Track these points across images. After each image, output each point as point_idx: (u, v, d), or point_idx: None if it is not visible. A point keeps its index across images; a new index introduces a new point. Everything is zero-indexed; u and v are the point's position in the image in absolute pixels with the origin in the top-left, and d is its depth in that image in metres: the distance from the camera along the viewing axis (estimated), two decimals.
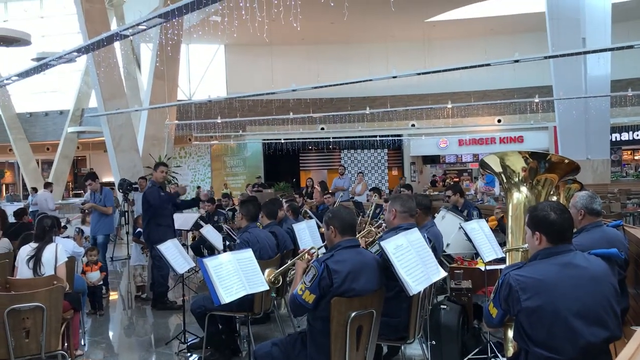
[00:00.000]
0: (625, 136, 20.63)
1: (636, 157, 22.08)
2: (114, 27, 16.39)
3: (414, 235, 3.47)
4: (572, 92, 13.90)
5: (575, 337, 2.35)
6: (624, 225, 3.77)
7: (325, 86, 11.60)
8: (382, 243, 3.28)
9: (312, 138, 20.90)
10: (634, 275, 3.56)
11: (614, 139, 18.87)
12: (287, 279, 3.85)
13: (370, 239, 4.49)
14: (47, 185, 13.48)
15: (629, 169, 21.80)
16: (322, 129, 20.88)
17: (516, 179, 2.94)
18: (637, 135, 20.50)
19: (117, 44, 15.75)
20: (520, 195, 2.92)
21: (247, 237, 4.96)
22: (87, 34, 12.70)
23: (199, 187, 9.87)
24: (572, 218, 2.61)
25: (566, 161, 2.86)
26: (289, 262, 3.86)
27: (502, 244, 4.83)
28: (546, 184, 2.89)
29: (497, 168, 3.00)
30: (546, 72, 15.03)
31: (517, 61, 9.21)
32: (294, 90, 11.72)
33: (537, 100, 15.63)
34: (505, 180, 2.99)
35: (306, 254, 3.52)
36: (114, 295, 8.07)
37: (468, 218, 6.45)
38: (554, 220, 2.51)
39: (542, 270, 2.46)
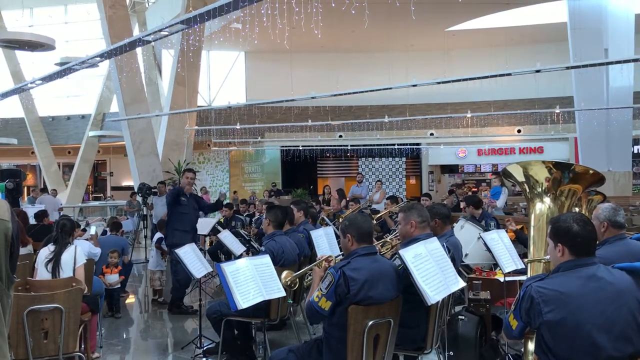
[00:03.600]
0: None
1: None
2: (136, 33, 16.59)
3: (433, 245, 3.44)
4: (593, 103, 13.75)
5: (598, 351, 2.31)
6: None
7: (345, 94, 11.61)
8: (401, 252, 3.26)
9: (330, 145, 20.91)
10: None
11: (635, 151, 18.59)
12: (305, 283, 3.84)
13: (388, 250, 4.44)
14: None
15: None
16: (340, 136, 20.88)
17: (539, 189, 2.90)
18: None
19: (138, 50, 15.97)
20: (543, 206, 2.88)
21: (272, 247, 4.93)
22: (110, 40, 12.88)
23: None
24: (596, 230, 2.57)
25: (591, 172, 2.82)
26: (306, 267, 3.85)
27: (521, 255, 4.77)
28: (570, 195, 2.84)
29: (520, 177, 2.97)
30: (567, 83, 14.91)
31: (538, 71, 9.14)
32: (313, 98, 11.76)
33: (557, 110, 15.49)
34: (528, 190, 2.95)
35: (323, 262, 3.50)
36: (130, 299, 8.12)
37: (486, 228, 6.39)
38: (577, 232, 2.47)
39: (565, 283, 2.41)
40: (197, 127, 17.71)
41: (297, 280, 3.72)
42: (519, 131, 20.98)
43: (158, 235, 7.98)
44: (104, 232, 9.05)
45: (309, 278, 3.73)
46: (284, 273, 3.72)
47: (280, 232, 5.25)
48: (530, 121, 19.91)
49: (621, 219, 3.57)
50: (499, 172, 12.50)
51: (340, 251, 4.80)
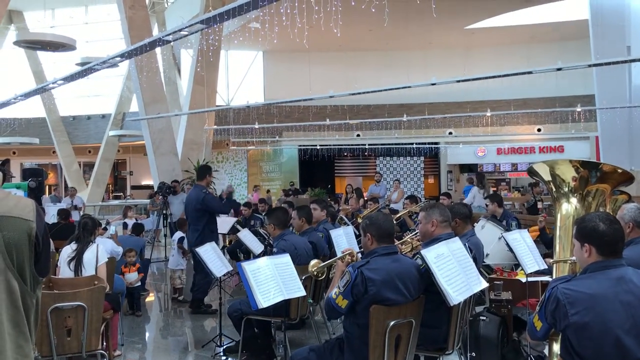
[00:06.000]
0: None
1: None
2: (155, 33, 16.71)
3: (456, 245, 3.42)
4: (615, 101, 13.54)
5: (626, 355, 2.27)
6: None
7: (363, 93, 11.57)
8: (423, 252, 3.24)
9: (348, 145, 20.88)
10: None
11: None
12: (331, 275, 3.84)
13: (409, 250, 4.41)
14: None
15: None
16: (358, 135, 20.83)
17: (566, 189, 2.85)
18: None
19: (158, 50, 16.08)
20: (569, 206, 2.83)
21: (284, 246, 4.96)
22: (130, 40, 12.98)
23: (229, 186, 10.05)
24: (623, 229, 2.52)
25: (619, 171, 2.77)
26: (334, 258, 3.85)
27: (542, 256, 4.71)
28: (597, 195, 2.79)
29: (547, 176, 2.92)
30: (589, 81, 14.70)
31: (560, 69, 9.01)
32: (331, 97, 11.73)
33: (579, 109, 15.27)
34: (554, 190, 2.91)
35: (347, 256, 3.50)
36: (150, 297, 8.18)
37: (507, 228, 6.33)
38: (604, 231, 2.42)
39: (593, 285, 2.37)
40: (215, 126, 17.78)
41: (325, 270, 3.73)
42: (539, 130, 20.74)
43: (179, 234, 8.02)
44: (125, 225, 9.14)
45: (334, 270, 3.73)
46: (312, 262, 3.73)
47: (288, 231, 5.30)
48: (551, 120, 19.67)
49: None
50: (472, 177, 13.69)
51: (360, 250, 4.80)
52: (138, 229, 8.81)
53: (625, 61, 10.79)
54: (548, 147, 20.88)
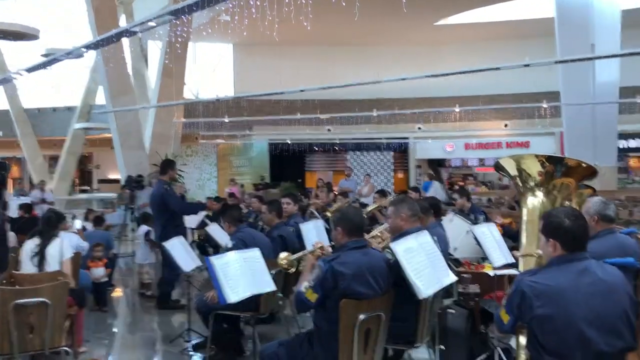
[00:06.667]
0: (632, 143, 20.47)
1: None
2: (122, 24, 16.39)
3: (425, 238, 3.44)
4: (580, 97, 13.82)
5: (589, 346, 2.31)
6: (637, 234, 3.72)
7: (334, 87, 11.55)
8: (392, 245, 3.26)
9: (319, 139, 20.86)
10: None
11: (621, 146, 18.72)
12: (300, 268, 3.82)
13: (379, 243, 4.43)
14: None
15: (635, 176, 21.64)
16: (329, 130, 20.83)
17: (532, 183, 2.89)
18: None
19: (125, 42, 15.79)
20: (535, 200, 2.87)
21: (242, 236, 4.98)
22: (97, 31, 12.71)
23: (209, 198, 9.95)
24: (587, 224, 2.57)
25: (583, 165, 2.82)
26: (304, 251, 3.84)
27: (510, 249, 4.78)
28: (562, 189, 2.84)
29: (513, 171, 2.96)
30: (554, 78, 14.95)
31: (527, 65, 9.15)
32: (302, 91, 11.69)
33: (545, 105, 15.55)
34: (521, 184, 2.95)
35: (318, 249, 3.49)
36: (117, 293, 8.05)
37: (475, 222, 6.41)
38: (569, 227, 2.46)
39: (557, 278, 2.41)
40: (184, 119, 17.57)
41: (295, 263, 3.71)
42: (505, 125, 21.06)
43: (145, 228, 7.89)
44: (84, 228, 8.96)
45: (304, 263, 3.72)
46: (282, 254, 3.71)
47: (243, 226, 5.29)
48: (518, 116, 19.98)
49: (611, 212, 3.59)
50: (431, 173, 14.04)
51: (331, 244, 4.80)
52: (99, 221, 8.59)
53: (590, 58, 11.02)
54: (515, 142, 21.20)
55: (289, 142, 20.16)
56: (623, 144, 19.53)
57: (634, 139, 20.33)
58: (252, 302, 4.24)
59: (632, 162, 21.83)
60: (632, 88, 15.85)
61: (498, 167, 3.05)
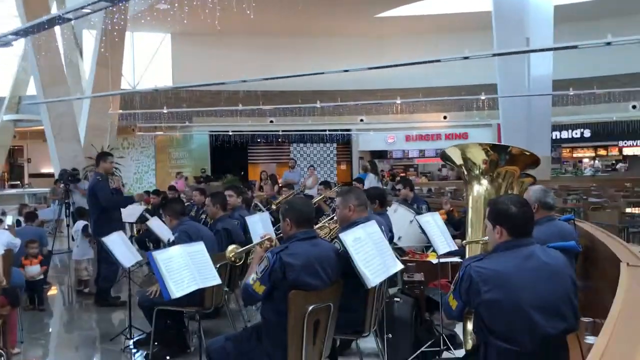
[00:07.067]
0: (565, 134, 21.39)
1: (575, 155, 22.93)
2: (54, 11, 15.70)
3: (372, 228, 3.44)
4: (516, 90, 14.30)
5: (534, 329, 2.36)
6: (575, 220, 3.86)
7: (276, 78, 11.46)
8: (341, 235, 3.24)
9: (261, 131, 20.71)
10: (582, 268, 3.64)
11: (554, 137, 19.52)
12: (249, 261, 3.76)
13: (326, 234, 4.43)
14: None
15: (567, 166, 22.63)
16: (272, 121, 20.71)
17: (477, 172, 2.93)
18: (576, 133, 21.29)
19: (57, 30, 15.11)
20: (480, 188, 2.92)
21: (186, 229, 4.88)
22: (26, 17, 12.11)
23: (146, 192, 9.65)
24: (532, 211, 2.62)
25: (527, 153, 2.88)
26: (252, 244, 3.77)
27: (452, 237, 4.87)
28: (507, 177, 2.90)
29: (459, 160, 2.99)
30: (492, 71, 15.38)
31: (466, 58, 9.34)
32: (244, 82, 11.54)
33: (482, 97, 15.99)
34: (466, 173, 2.98)
35: (266, 241, 3.43)
36: (53, 291, 7.72)
37: (418, 212, 6.50)
38: (514, 213, 2.51)
39: (503, 263, 2.45)
40: (121, 111, 17.05)
41: (243, 255, 3.63)
42: (445, 117, 21.53)
43: (82, 222, 7.59)
44: (18, 223, 8.57)
45: (252, 256, 3.66)
46: (230, 247, 3.62)
47: (185, 219, 5.20)
48: (457, 108, 20.46)
49: (551, 200, 3.69)
50: (366, 165, 14.32)
51: (277, 236, 4.75)
52: (32, 217, 8.19)
53: (526, 51, 11.37)
54: (453, 134, 21.74)
55: (231, 134, 19.91)
56: (556, 134, 20.37)
57: (566, 130, 21.23)
58: (197, 297, 4.14)
59: (565, 153, 22.81)
60: (565, 81, 16.51)
61: (444, 156, 3.08)
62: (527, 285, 2.40)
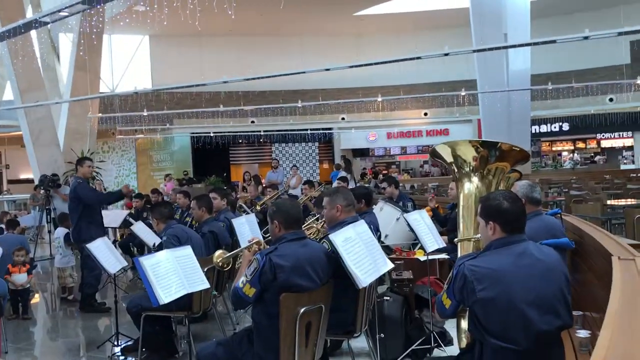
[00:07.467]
0: (544, 128, 21.61)
1: (554, 149, 23.20)
2: (30, 15, 15.44)
3: (362, 227, 3.42)
4: (495, 85, 14.40)
5: (529, 326, 2.36)
6: (561, 214, 3.88)
7: (257, 78, 11.39)
8: (330, 236, 3.21)
9: (243, 131, 20.61)
10: (571, 262, 3.67)
11: (534, 131, 19.71)
12: (237, 265, 3.72)
13: (315, 234, 4.41)
14: None
15: (547, 160, 22.89)
16: (253, 122, 20.62)
17: (467, 169, 2.93)
18: (555, 127, 21.52)
19: (34, 34, 14.88)
20: (471, 185, 2.91)
21: (174, 232, 4.85)
22: (1, 22, 11.89)
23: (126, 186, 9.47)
24: (524, 206, 2.62)
25: (516, 149, 2.88)
26: (240, 248, 3.73)
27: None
28: (497, 173, 2.90)
29: (449, 158, 2.99)
30: (471, 67, 15.47)
31: (447, 54, 9.38)
32: (224, 82, 11.46)
33: (463, 93, 16.08)
34: (456, 170, 2.98)
35: (254, 244, 3.39)
36: (36, 299, 7.59)
37: (404, 209, 6.51)
38: (507, 209, 2.51)
39: (497, 261, 2.45)
40: (100, 114, 16.84)
41: (231, 260, 3.59)
42: (425, 114, 21.62)
43: (63, 230, 7.46)
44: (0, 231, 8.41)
45: (240, 261, 3.62)
46: (217, 252, 3.58)
47: (173, 222, 5.17)
48: (437, 104, 20.56)
49: (537, 195, 3.71)
50: (339, 163, 14.80)
51: (264, 238, 4.72)
52: (13, 224, 8.05)
53: (505, 47, 11.45)
54: (434, 130, 21.84)
55: (212, 135, 19.78)
56: (535, 128, 20.58)
57: (545, 124, 21.45)
58: (185, 301, 4.09)
59: (544, 147, 23.06)
60: (544, 75, 16.68)
61: (434, 154, 3.07)
62: (521, 282, 2.39)
